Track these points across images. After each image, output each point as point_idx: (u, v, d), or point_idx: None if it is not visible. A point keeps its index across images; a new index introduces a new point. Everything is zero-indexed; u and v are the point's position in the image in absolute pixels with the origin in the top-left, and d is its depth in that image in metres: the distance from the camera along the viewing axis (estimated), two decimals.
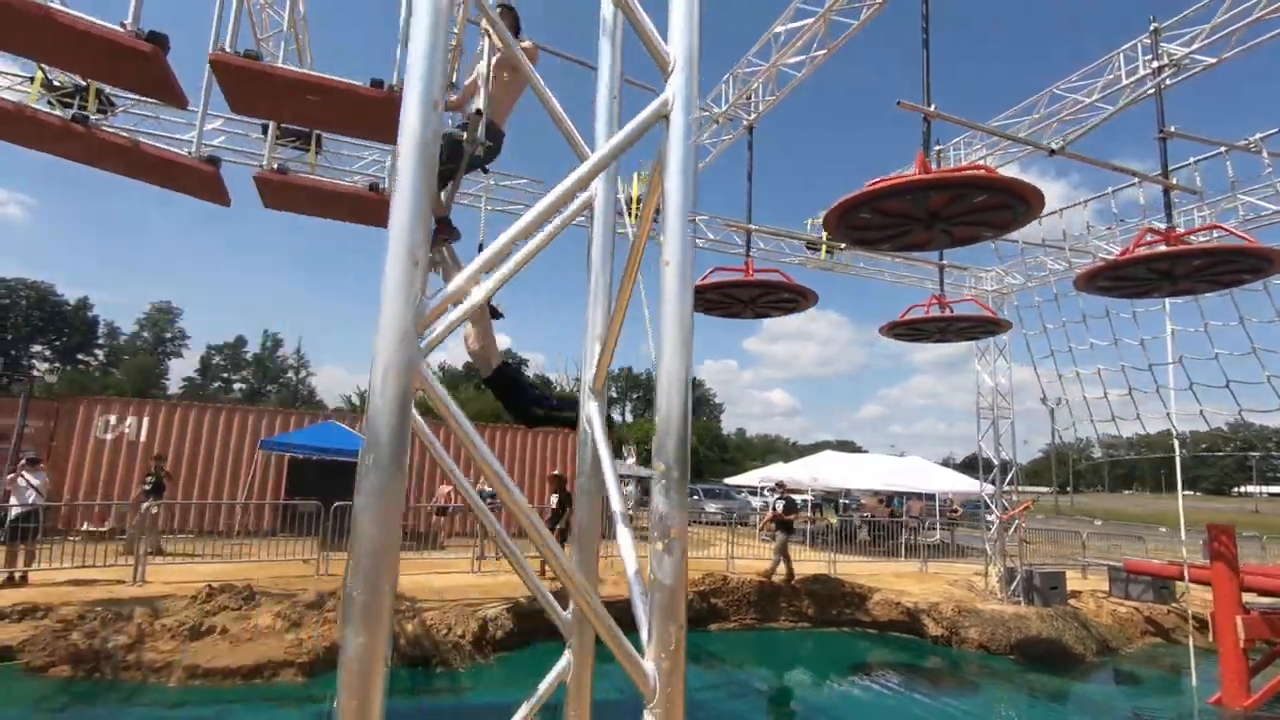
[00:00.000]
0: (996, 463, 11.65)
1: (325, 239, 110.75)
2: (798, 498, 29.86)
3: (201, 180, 5.25)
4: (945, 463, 34.07)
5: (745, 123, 7.87)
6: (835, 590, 11.14)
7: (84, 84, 7.74)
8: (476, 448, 0.98)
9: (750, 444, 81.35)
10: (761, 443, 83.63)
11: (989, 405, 11.94)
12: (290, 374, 74.26)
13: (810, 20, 6.64)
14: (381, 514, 0.80)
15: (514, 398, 4.24)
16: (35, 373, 65.71)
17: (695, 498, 28.91)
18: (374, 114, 4.27)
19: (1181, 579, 9.23)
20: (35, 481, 9.45)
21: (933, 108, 5.27)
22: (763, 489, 26.58)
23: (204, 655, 6.89)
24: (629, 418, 72.81)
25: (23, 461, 9.63)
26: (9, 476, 9.54)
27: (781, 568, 11.78)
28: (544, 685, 1.19)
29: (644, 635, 0.95)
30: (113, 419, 14.92)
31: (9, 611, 7.37)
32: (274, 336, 75.07)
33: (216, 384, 71.01)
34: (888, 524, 18.32)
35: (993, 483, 11.75)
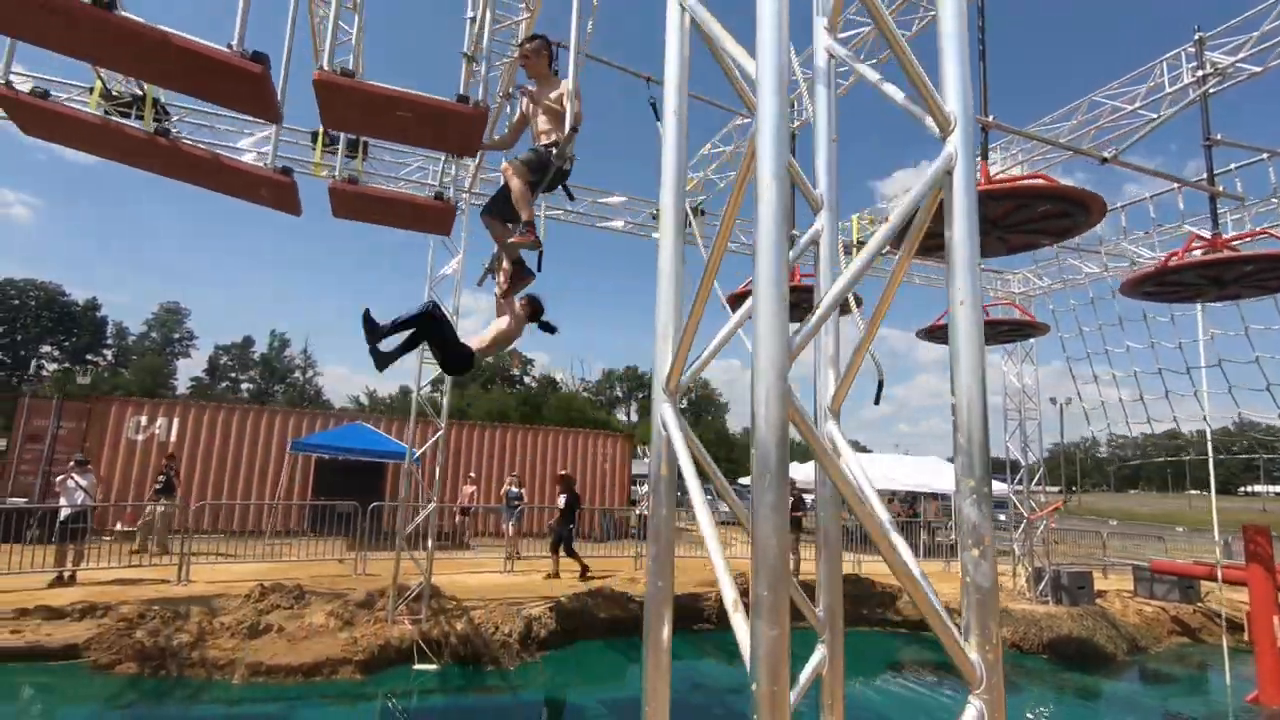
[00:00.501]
0: (1025, 463, 11.76)
1: (321, 240, 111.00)
2: (808, 497, 30.06)
3: (277, 191, 5.39)
4: (950, 462, 34.22)
5: (791, 128, 7.99)
6: (865, 590, 11.26)
7: (140, 94, 7.92)
8: (827, 460, 1.11)
9: None
10: None
11: (1015, 406, 12.05)
12: (297, 373, 74.61)
13: (857, 31, 6.77)
14: (778, 525, 0.93)
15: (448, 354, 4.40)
16: (45, 373, 66.14)
17: (709, 497, 29.05)
18: (458, 128, 4.41)
19: (1213, 579, 9.33)
20: (84, 483, 9.63)
21: (991, 118, 5.40)
22: None
23: (265, 653, 7.03)
24: (634, 417, 73.06)
25: (71, 464, 9.81)
26: (59, 479, 9.72)
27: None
28: (804, 678, 1.30)
29: (947, 634, 1.08)
30: (143, 420, 15.10)
31: (70, 610, 7.54)
32: (281, 336, 75.35)
33: (224, 384, 71.30)
34: (905, 524, 18.44)
35: (1019, 484, 11.86)
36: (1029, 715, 8.29)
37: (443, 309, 4.37)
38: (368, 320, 4.02)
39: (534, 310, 4.74)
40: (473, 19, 6.16)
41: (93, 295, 76.21)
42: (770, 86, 1.07)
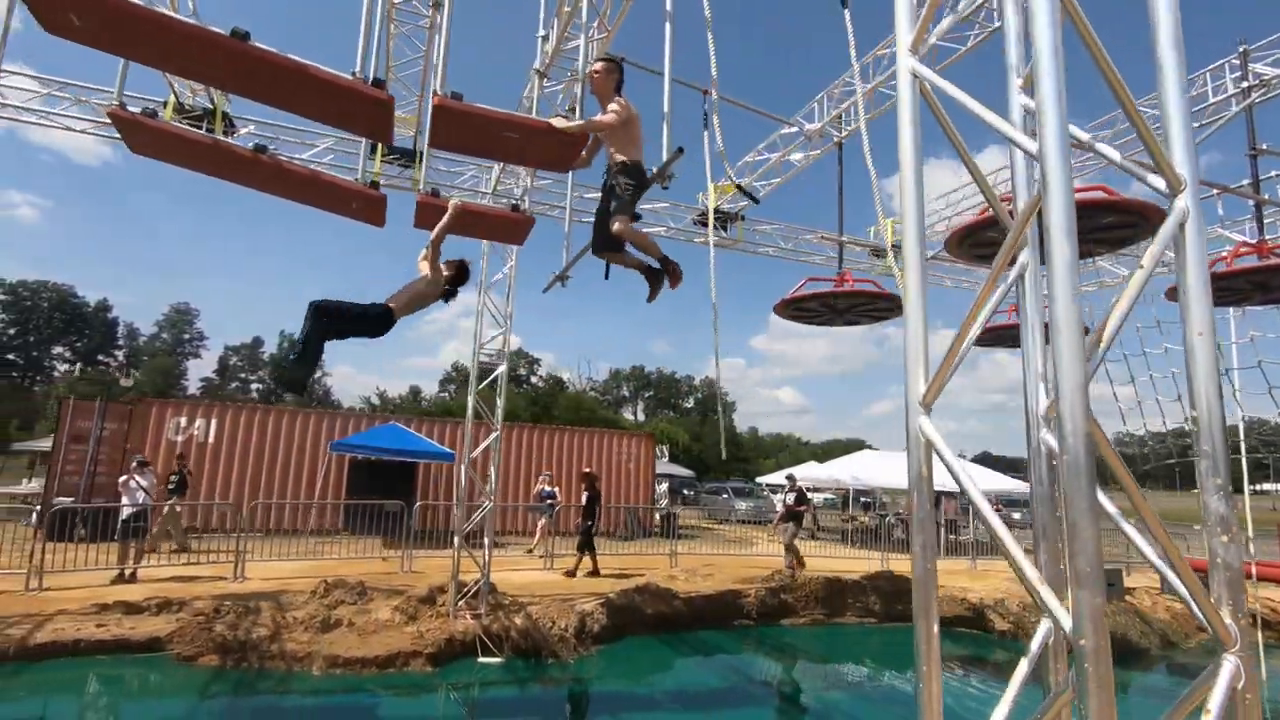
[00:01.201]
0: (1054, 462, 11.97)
1: (335, 239, 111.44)
2: (819, 496, 30.36)
3: (368, 204, 5.65)
4: (961, 457, 34.40)
5: (836, 139, 8.24)
6: (901, 587, 11.50)
7: (210, 107, 8.20)
8: (1137, 495, 1.37)
9: (763, 442, 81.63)
10: (774, 441, 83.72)
11: None
12: None
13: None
14: (1093, 519, 1.18)
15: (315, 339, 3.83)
16: (56, 374, 66.70)
17: (724, 496, 29.28)
18: (562, 148, 4.65)
19: (1246, 576, 9.54)
20: (144, 483, 9.93)
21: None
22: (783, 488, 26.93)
23: (340, 646, 7.31)
24: (641, 416, 73.35)
25: (134, 465, 10.11)
26: (122, 479, 10.02)
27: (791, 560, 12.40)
28: (1216, 701, 1.31)
29: (1207, 604, 1.33)
30: (183, 421, 15.42)
31: (146, 605, 7.83)
32: (290, 337, 75.65)
33: (234, 384, 71.78)
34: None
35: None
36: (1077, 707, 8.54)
37: (324, 302, 3.89)
38: (294, 363, 3.83)
39: (458, 275, 4.63)
40: (544, 37, 6.44)
41: (103, 296, 76.67)
42: (1056, 159, 1.32)
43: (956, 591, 11.47)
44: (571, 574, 11.25)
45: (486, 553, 8.61)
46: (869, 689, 8.98)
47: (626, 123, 4.41)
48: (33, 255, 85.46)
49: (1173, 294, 6.86)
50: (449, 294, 4.64)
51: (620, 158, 4.43)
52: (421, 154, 8.82)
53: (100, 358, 70.25)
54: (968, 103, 1.64)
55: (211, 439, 15.46)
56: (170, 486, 12.19)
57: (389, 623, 7.92)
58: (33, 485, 18.99)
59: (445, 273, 4.55)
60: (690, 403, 78.06)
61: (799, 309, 8.12)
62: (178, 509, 11.81)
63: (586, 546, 11.57)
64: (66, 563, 9.16)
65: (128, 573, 9.52)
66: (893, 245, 11.46)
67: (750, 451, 72.23)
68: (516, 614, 8.48)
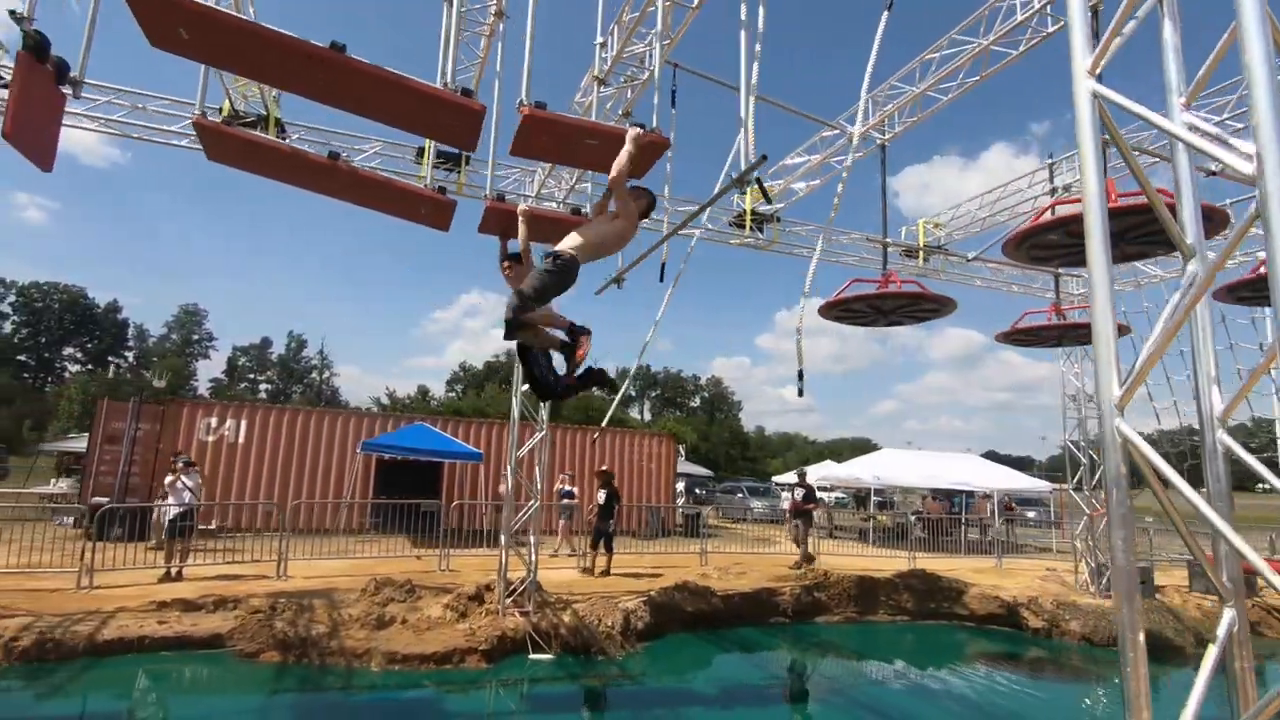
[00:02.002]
0: (1085, 461, 12.06)
1: (337, 239, 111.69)
2: (831, 495, 30.43)
3: (436, 209, 5.76)
4: (967, 451, 34.79)
5: (879, 141, 8.33)
6: (933, 585, 11.59)
7: (265, 114, 8.34)
8: None
9: (770, 441, 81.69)
10: (780, 440, 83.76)
11: (1076, 406, 12.35)
12: (314, 374, 75.48)
13: (960, 49, 7.08)
14: None
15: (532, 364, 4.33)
16: (67, 375, 67.12)
17: (739, 495, 29.36)
18: (643, 156, 4.75)
19: None
20: (190, 484, 10.07)
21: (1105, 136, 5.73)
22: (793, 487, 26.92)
23: (397, 643, 7.43)
24: (647, 415, 73.46)
25: (180, 465, 10.24)
26: (168, 480, 10.16)
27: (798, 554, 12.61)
28: None
29: None
30: (213, 421, 15.59)
31: (203, 603, 7.97)
32: (298, 337, 76.23)
33: (243, 384, 72.10)
34: (944, 521, 18.76)
35: (1080, 482, 12.17)
36: (1104, 702, 8.62)
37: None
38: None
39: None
40: (603, 44, 6.54)
41: (114, 297, 77.05)
42: (1276, 174, 1.42)
43: (989, 589, 11.56)
44: (606, 573, 11.37)
45: (533, 551, 8.73)
46: (906, 685, 9.07)
47: (625, 218, 4.08)
48: (39, 257, 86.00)
49: (1222, 293, 6.94)
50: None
51: (569, 249, 3.84)
52: (468, 158, 9.00)
53: (110, 359, 70.62)
54: (1157, 120, 1.74)
55: (242, 439, 15.63)
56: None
57: (441, 620, 8.05)
58: (61, 486, 19.15)
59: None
60: (696, 401, 78.18)
61: (844, 310, 8.21)
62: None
63: (598, 545, 11.62)
64: (110, 561, 9.30)
65: (174, 571, 9.67)
66: (924, 246, 11.57)
67: (757, 450, 72.29)
68: (563, 611, 8.60)
